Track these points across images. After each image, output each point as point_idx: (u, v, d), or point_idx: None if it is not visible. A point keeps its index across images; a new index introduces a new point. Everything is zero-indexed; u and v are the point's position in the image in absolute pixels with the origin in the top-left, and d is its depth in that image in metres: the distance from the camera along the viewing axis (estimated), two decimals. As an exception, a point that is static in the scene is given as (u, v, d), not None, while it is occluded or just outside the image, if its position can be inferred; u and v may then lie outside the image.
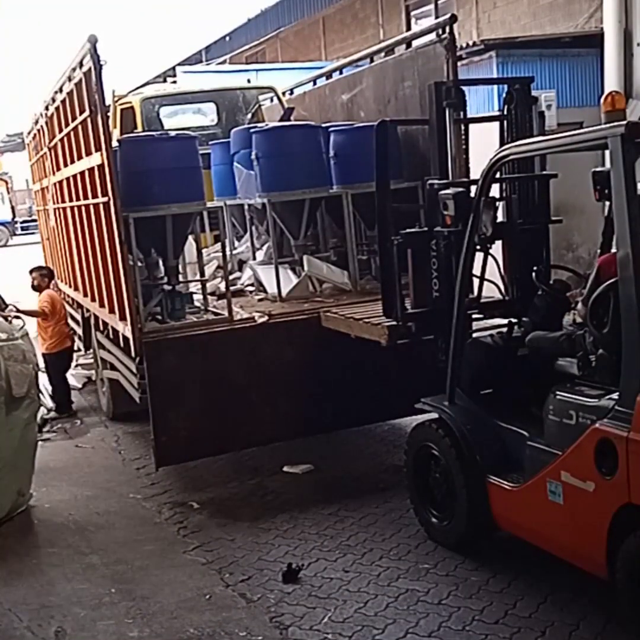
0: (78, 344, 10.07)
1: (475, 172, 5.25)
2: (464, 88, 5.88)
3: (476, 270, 5.30)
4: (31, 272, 9.31)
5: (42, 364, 8.33)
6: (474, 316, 5.73)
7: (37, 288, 9.20)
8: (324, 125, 7.69)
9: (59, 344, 8.98)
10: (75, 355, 10.37)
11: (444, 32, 6.48)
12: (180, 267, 6.92)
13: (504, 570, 4.81)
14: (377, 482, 6.36)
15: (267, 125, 8.20)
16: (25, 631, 4.62)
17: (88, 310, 8.67)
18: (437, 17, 15.01)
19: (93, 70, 6.06)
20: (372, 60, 8.09)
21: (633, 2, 10.98)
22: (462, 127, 5.89)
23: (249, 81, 12.42)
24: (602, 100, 4.45)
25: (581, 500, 4.09)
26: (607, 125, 4.02)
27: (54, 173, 9.27)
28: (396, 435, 7.24)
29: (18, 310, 9.28)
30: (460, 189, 5.16)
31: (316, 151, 7.26)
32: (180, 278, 6.93)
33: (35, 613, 4.80)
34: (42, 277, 9.20)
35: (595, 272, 4.36)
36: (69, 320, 9.66)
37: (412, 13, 17.52)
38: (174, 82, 17.18)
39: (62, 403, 8.99)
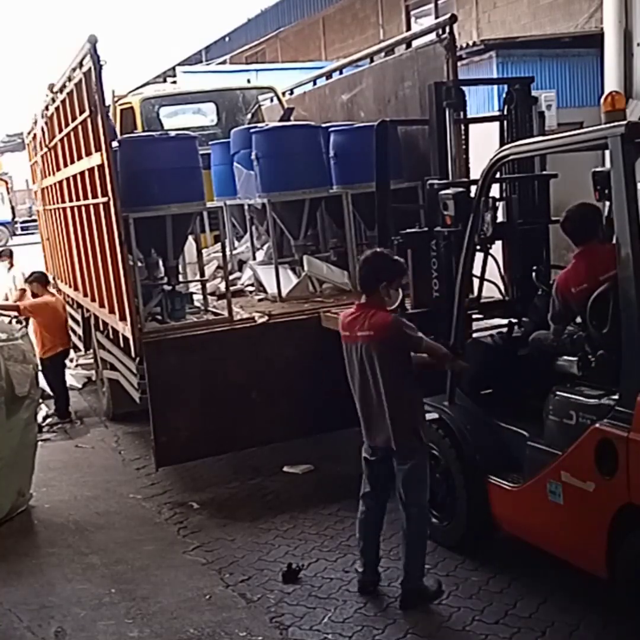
0: (78, 344, 10.06)
1: (475, 172, 5.25)
2: (464, 88, 5.87)
3: (476, 270, 5.30)
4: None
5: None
6: (474, 316, 5.72)
7: (34, 296, 9.16)
8: (324, 125, 7.70)
9: (49, 351, 8.80)
10: (75, 355, 10.37)
11: (444, 32, 6.48)
12: (180, 267, 6.92)
13: (504, 570, 4.80)
14: (377, 482, 6.35)
15: (267, 125, 8.21)
16: (25, 631, 4.62)
17: (88, 311, 8.66)
18: (437, 17, 15.00)
19: (93, 70, 6.06)
20: (372, 60, 8.09)
21: (633, 2, 10.95)
22: (462, 127, 5.88)
23: (249, 81, 12.40)
24: (602, 100, 4.47)
25: (581, 500, 4.09)
26: (607, 125, 4.02)
27: (54, 173, 9.26)
28: (396, 435, 7.23)
29: None
30: (460, 189, 5.16)
31: (316, 151, 7.26)
32: (180, 278, 6.93)
33: (35, 613, 4.79)
34: (32, 285, 9.13)
35: (554, 291, 4.34)
36: (70, 321, 9.63)
37: (412, 13, 17.49)
38: (174, 82, 17.15)
39: (61, 408, 8.90)
